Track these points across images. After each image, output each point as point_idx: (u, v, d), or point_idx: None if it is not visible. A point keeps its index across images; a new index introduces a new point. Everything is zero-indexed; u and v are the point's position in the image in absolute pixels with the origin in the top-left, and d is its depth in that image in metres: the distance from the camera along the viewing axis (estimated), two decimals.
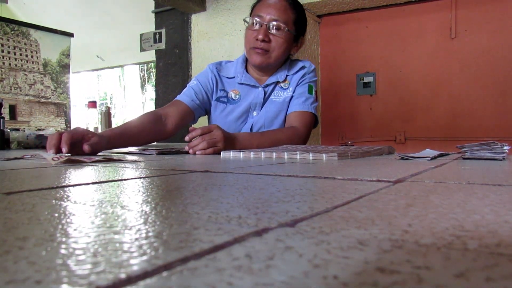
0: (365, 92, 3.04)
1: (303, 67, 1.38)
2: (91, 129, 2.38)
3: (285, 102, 1.35)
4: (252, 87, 1.37)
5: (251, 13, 1.38)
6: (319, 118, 1.39)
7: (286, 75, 1.37)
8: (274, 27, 1.28)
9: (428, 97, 2.84)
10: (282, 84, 1.36)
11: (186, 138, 1.08)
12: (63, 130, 1.25)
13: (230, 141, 1.12)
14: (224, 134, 1.10)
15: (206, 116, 1.51)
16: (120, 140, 1.15)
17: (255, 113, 1.36)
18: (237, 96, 1.37)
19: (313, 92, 1.37)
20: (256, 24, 1.31)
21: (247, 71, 1.40)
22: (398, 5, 2.88)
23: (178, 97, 1.41)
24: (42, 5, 4.81)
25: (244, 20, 1.37)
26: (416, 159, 0.84)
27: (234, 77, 1.40)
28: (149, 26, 3.54)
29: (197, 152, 1.07)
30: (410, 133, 2.91)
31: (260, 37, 1.27)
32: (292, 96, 1.36)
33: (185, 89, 1.43)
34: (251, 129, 1.36)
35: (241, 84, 1.38)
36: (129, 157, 0.97)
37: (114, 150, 1.20)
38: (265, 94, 1.36)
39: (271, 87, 1.37)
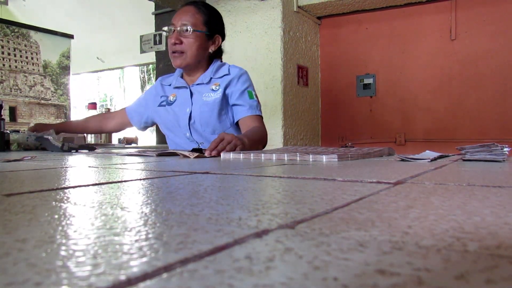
0: (365, 94, 3.04)
1: (227, 74, 1.54)
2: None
3: (216, 103, 1.50)
4: (183, 88, 1.58)
5: None
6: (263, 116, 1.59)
7: (211, 78, 1.54)
8: (183, 31, 1.47)
9: (428, 99, 2.84)
10: (213, 87, 1.53)
11: (208, 153, 1.14)
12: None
13: (244, 140, 1.25)
14: (237, 136, 1.23)
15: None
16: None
17: (188, 110, 1.53)
18: (174, 98, 1.59)
19: (254, 96, 1.53)
20: (170, 31, 1.50)
21: (182, 77, 1.62)
22: (398, 6, 2.88)
23: (128, 110, 1.75)
24: (42, 6, 4.82)
25: (163, 31, 1.59)
26: (416, 161, 0.84)
27: (170, 84, 1.64)
28: (149, 27, 3.55)
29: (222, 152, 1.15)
30: (410, 135, 2.91)
31: (172, 41, 1.46)
32: (223, 99, 1.51)
33: (136, 101, 1.77)
34: (189, 127, 1.53)
35: (175, 88, 1.61)
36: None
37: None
38: (191, 93, 1.55)
39: (198, 87, 1.55)
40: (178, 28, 1.47)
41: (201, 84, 1.54)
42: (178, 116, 1.55)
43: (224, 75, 1.53)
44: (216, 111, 1.49)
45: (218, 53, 1.61)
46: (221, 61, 1.62)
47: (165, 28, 1.52)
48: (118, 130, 1.88)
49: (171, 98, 1.59)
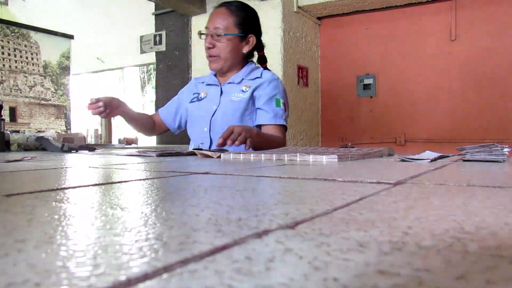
0: (365, 94, 3.04)
1: (259, 77, 1.56)
2: (92, 131, 2.38)
3: (242, 103, 1.52)
4: (214, 86, 1.61)
5: None
6: (287, 126, 1.60)
7: (243, 79, 1.56)
8: (216, 35, 1.50)
9: (428, 99, 2.84)
10: (243, 88, 1.54)
11: (221, 141, 1.19)
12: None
13: (253, 132, 1.28)
14: (246, 128, 1.26)
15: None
16: (132, 116, 1.60)
17: (214, 107, 1.55)
18: (205, 94, 1.62)
19: (281, 104, 1.54)
20: (205, 36, 1.53)
21: (216, 75, 1.64)
22: (398, 7, 2.88)
23: (161, 112, 1.75)
24: (42, 7, 4.82)
25: (201, 34, 1.59)
26: (416, 161, 0.84)
27: (203, 82, 1.68)
28: (149, 28, 3.55)
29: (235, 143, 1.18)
30: (410, 135, 2.91)
31: (206, 45, 1.52)
32: (250, 100, 1.52)
33: (168, 102, 1.76)
34: (210, 122, 1.55)
35: (207, 85, 1.64)
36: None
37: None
38: (221, 92, 1.57)
39: (228, 86, 1.57)
40: (211, 33, 1.50)
41: (232, 84, 1.57)
42: (204, 111, 1.57)
43: (256, 77, 1.55)
44: (240, 111, 1.51)
45: (255, 51, 1.62)
46: (256, 64, 1.64)
47: (203, 31, 1.56)
48: (158, 134, 1.85)
49: (202, 94, 1.63)
